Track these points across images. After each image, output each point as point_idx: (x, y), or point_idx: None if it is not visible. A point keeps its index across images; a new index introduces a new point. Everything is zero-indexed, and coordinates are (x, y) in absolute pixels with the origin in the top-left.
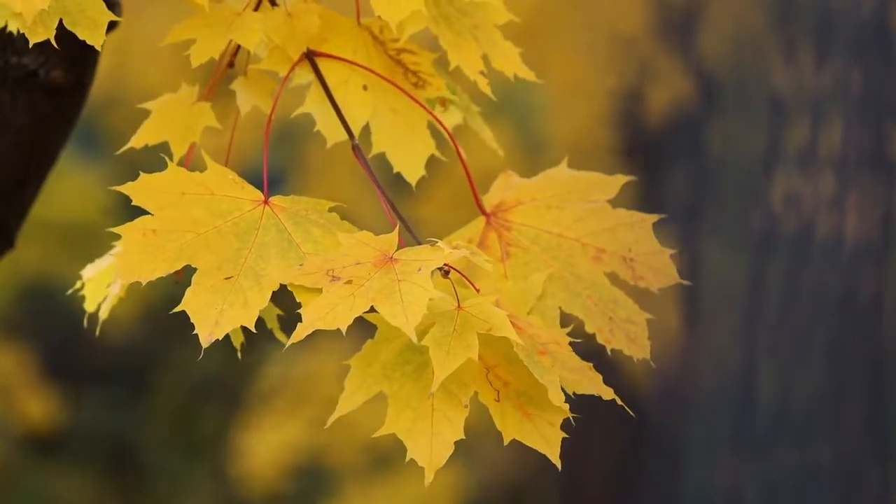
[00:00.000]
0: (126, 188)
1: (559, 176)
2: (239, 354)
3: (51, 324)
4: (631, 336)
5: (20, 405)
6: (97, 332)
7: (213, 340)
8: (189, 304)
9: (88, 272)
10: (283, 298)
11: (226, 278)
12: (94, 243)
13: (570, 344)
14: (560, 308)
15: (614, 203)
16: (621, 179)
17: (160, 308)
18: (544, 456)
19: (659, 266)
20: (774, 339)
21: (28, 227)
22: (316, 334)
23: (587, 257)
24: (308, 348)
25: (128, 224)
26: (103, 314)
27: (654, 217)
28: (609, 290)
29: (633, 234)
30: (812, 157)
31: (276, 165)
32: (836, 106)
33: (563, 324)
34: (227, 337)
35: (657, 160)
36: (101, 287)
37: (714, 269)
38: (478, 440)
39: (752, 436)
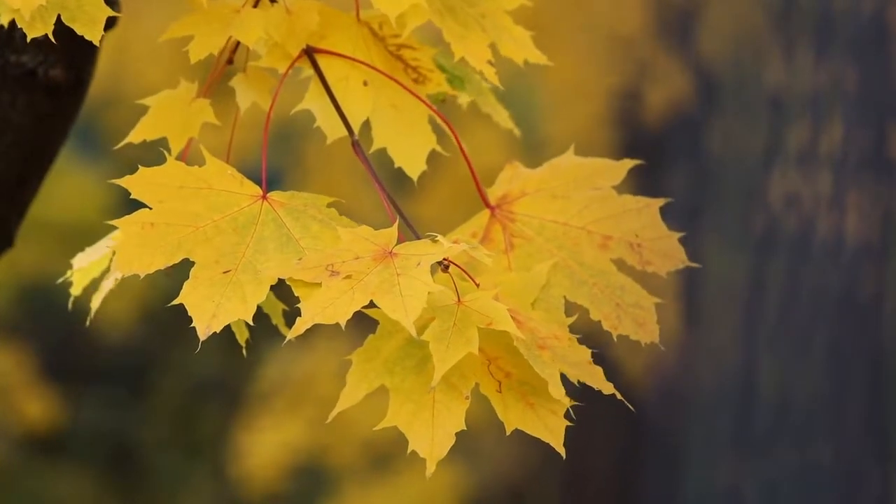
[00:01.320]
0: (125, 181)
1: (564, 164)
2: (244, 352)
3: (50, 324)
4: (639, 321)
5: (20, 405)
6: (87, 322)
7: (210, 333)
8: (187, 297)
9: (79, 261)
10: (287, 294)
11: (224, 272)
12: (93, 242)
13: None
14: (564, 297)
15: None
16: (627, 164)
17: (159, 308)
18: (545, 455)
19: (667, 250)
20: (774, 339)
21: (27, 226)
22: (315, 333)
23: (593, 245)
24: (307, 348)
25: (126, 217)
26: (94, 306)
27: (661, 201)
28: (616, 277)
29: (639, 219)
30: (812, 156)
31: (274, 164)
32: (835, 105)
33: (568, 314)
34: (225, 336)
35: (657, 160)
36: (89, 275)
37: (714, 269)
38: (478, 439)
39: (752, 436)
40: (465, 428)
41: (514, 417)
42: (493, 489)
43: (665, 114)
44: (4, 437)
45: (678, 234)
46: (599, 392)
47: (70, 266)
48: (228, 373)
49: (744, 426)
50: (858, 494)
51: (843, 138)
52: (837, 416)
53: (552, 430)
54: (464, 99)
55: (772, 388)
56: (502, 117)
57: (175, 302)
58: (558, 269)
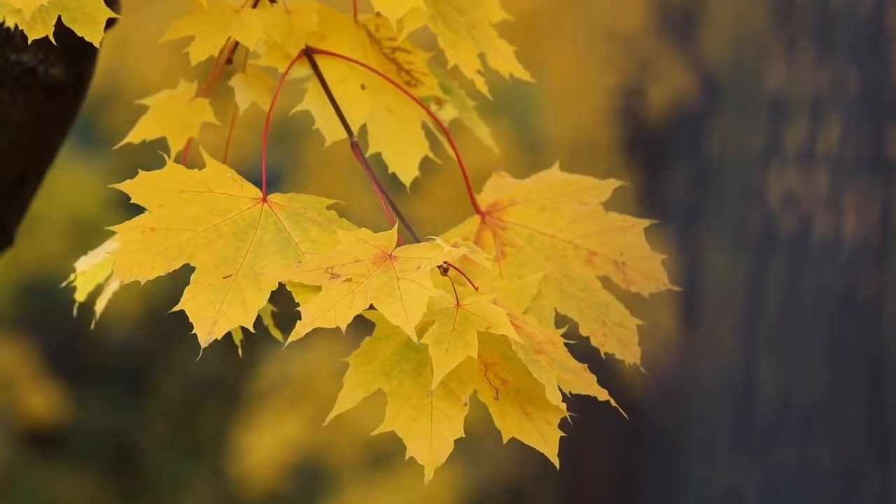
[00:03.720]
0: (124, 186)
1: (552, 178)
2: (240, 352)
3: (52, 321)
4: (623, 340)
5: (22, 402)
6: (92, 326)
7: (211, 340)
8: (188, 303)
9: (82, 265)
10: (282, 296)
11: (224, 277)
12: (95, 238)
13: (567, 344)
14: (555, 309)
15: (613, 201)
16: (613, 183)
17: (160, 308)
18: (544, 455)
19: (650, 271)
20: (774, 338)
21: (29, 223)
22: (314, 332)
23: (580, 259)
24: (306, 346)
25: (126, 223)
26: (98, 309)
27: (647, 222)
28: (601, 294)
29: (624, 238)
30: (810, 156)
31: (274, 163)
32: (834, 105)
33: (558, 325)
34: (226, 336)
35: (657, 158)
36: (93, 280)
37: (714, 269)
38: (477, 439)
39: (752, 436)
40: (464, 435)
41: (511, 426)
42: (492, 489)
43: (666, 112)
44: (6, 435)
45: (662, 256)
46: None
47: (72, 267)
48: (227, 372)
49: (744, 426)
50: (858, 495)
51: (842, 138)
52: (837, 416)
53: (547, 440)
54: (446, 115)
55: (772, 388)
56: (483, 133)
57: (176, 308)
58: (548, 281)
